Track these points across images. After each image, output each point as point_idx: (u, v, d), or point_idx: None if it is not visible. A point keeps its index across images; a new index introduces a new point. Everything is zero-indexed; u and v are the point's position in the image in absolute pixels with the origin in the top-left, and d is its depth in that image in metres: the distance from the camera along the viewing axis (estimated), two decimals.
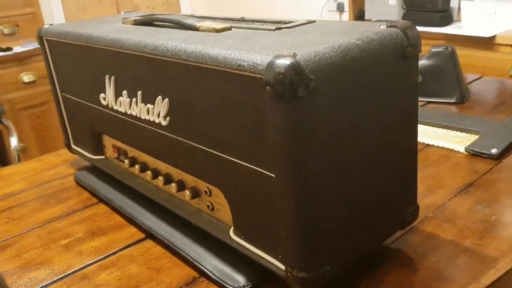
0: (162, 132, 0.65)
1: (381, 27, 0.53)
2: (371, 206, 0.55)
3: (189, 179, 0.66)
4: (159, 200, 0.71)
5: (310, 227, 0.49)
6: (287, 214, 0.49)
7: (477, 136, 0.91)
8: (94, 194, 0.84)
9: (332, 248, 0.51)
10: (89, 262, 0.66)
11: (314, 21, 0.62)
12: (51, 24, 0.90)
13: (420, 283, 0.56)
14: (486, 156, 0.84)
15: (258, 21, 0.67)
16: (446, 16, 2.07)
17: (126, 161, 0.78)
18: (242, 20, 0.70)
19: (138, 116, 0.69)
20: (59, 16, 2.85)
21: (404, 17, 2.16)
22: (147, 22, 0.74)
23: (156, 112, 0.65)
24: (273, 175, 0.49)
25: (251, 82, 0.47)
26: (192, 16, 0.79)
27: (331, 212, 0.50)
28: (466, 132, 0.94)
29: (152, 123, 0.66)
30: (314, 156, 0.47)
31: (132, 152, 0.78)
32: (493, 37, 1.89)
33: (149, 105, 0.66)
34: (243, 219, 0.57)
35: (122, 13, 0.99)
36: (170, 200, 0.70)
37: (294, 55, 0.44)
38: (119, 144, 0.81)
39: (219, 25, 0.63)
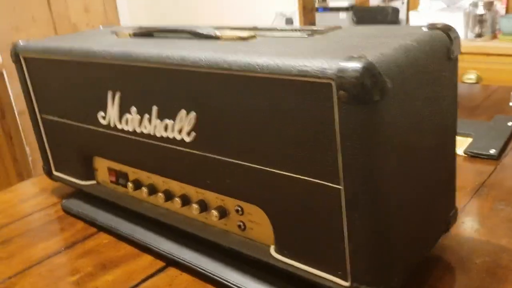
0: (184, 149, 0.60)
1: (424, 29, 0.53)
2: (425, 211, 0.53)
3: (213, 198, 0.62)
4: (176, 224, 0.66)
5: (381, 239, 0.46)
6: (356, 227, 0.46)
7: (470, 139, 0.93)
8: (91, 223, 0.77)
9: (397, 258, 0.49)
10: None
11: (340, 27, 0.60)
12: (27, 40, 0.82)
13: (477, 286, 0.55)
14: (485, 157, 0.86)
15: (274, 29, 0.65)
16: None
17: (130, 184, 0.72)
18: (257, 29, 0.67)
19: (152, 134, 0.64)
20: None
21: None
22: (150, 33, 0.70)
23: (177, 128, 0.60)
24: (340, 187, 0.46)
25: (313, 88, 0.44)
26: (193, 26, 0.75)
27: (397, 220, 0.48)
28: (458, 135, 0.96)
29: (171, 141, 0.61)
30: (386, 163, 0.44)
31: (135, 174, 0.72)
32: None
33: (167, 121, 0.61)
34: (290, 237, 0.54)
35: (100, 27, 0.92)
36: (189, 223, 0.65)
37: (365, 57, 0.42)
38: (117, 166, 0.75)
39: (242, 33, 0.59)
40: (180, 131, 0.60)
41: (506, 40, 1.94)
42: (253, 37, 0.59)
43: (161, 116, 0.62)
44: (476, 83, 1.94)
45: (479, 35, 1.96)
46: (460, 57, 1.95)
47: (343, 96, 0.42)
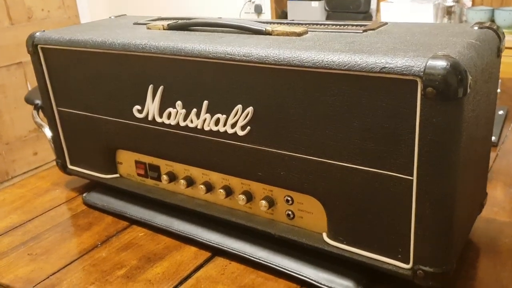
0: (236, 143, 0.62)
1: (475, 28, 0.57)
2: (473, 197, 0.58)
3: (260, 189, 0.64)
4: (219, 215, 0.67)
5: (446, 225, 0.50)
6: (428, 214, 0.49)
7: None
8: (121, 216, 0.76)
9: (456, 241, 0.53)
10: None
11: (387, 23, 0.63)
12: (43, 31, 0.79)
13: (510, 263, 0.60)
14: None
15: (314, 23, 0.66)
16: (367, 17, 2.22)
17: (165, 177, 0.72)
18: (297, 23, 0.68)
19: (200, 127, 0.64)
20: None
21: (327, 18, 2.27)
22: (185, 26, 0.70)
23: (231, 122, 0.61)
24: (412, 178, 0.49)
25: (395, 84, 0.47)
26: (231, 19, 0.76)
27: (460, 207, 0.52)
28: None
29: (222, 134, 0.62)
30: (458, 155, 0.48)
31: (169, 166, 0.72)
32: None
33: (219, 115, 0.62)
34: (347, 224, 0.56)
35: (112, 17, 0.90)
36: (233, 213, 0.67)
37: (451, 56, 0.45)
38: (147, 159, 0.74)
39: (297, 28, 0.61)
40: (233, 125, 0.61)
41: None
42: (306, 32, 0.61)
43: (212, 111, 0.62)
44: None
45: None
46: None
47: (431, 93, 0.45)
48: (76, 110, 0.79)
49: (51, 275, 0.64)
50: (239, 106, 0.59)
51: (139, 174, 0.77)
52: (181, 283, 0.61)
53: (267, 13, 2.48)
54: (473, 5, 2.13)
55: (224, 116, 0.61)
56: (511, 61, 1.33)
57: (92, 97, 0.75)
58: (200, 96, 0.63)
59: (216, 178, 0.68)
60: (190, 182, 0.70)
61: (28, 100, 1.02)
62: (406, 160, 0.49)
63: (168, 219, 0.72)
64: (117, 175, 0.80)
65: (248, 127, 0.60)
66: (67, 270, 0.65)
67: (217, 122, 0.62)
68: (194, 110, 0.64)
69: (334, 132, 0.53)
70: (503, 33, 0.58)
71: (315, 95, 0.53)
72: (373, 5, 2.24)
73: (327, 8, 2.23)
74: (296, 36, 0.60)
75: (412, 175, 0.49)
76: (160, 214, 0.74)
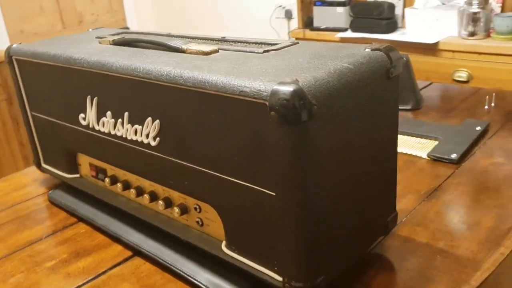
0: (150, 152, 0.66)
1: (366, 50, 0.58)
2: (361, 216, 0.59)
3: (176, 196, 0.68)
4: (144, 218, 0.72)
5: (308, 241, 0.52)
6: (287, 229, 0.52)
7: (436, 142, 0.98)
8: (71, 213, 0.83)
9: (327, 258, 0.55)
10: (79, 284, 0.66)
11: (298, 43, 0.66)
12: (20, 43, 0.88)
13: (404, 284, 0.61)
14: (447, 161, 0.91)
15: (240, 42, 0.70)
16: (391, 23, 2.18)
17: (107, 179, 0.78)
18: (224, 40, 0.72)
19: (124, 136, 0.70)
20: None
21: (351, 24, 2.25)
22: (127, 43, 0.75)
23: (145, 133, 0.66)
24: (274, 194, 0.52)
25: (252, 107, 0.50)
26: (170, 35, 0.81)
27: (327, 225, 0.54)
28: (426, 138, 1.01)
29: (140, 144, 0.67)
30: (314, 175, 0.50)
31: (113, 170, 0.78)
32: (436, 43, 2.02)
33: (136, 126, 0.67)
34: (237, 234, 0.60)
35: (90, 30, 0.98)
36: (156, 217, 0.71)
37: (297, 82, 0.47)
38: (97, 162, 0.81)
39: (206, 47, 0.65)
40: (147, 136, 0.66)
41: (499, 39, 1.97)
42: (215, 51, 0.65)
43: (132, 121, 0.68)
44: (467, 81, 1.97)
45: (472, 34, 1.98)
46: (451, 55, 2.01)
47: (274, 116, 0.47)
48: (44, 115, 0.87)
49: None
50: (149, 119, 0.64)
51: (92, 176, 0.84)
52: (94, 278, 0.67)
53: (296, 19, 2.50)
54: (502, 11, 2.03)
55: (140, 127, 0.66)
56: None
57: (53, 104, 0.83)
58: (122, 108, 0.68)
59: (146, 183, 0.73)
60: (126, 186, 0.76)
61: None
62: (269, 176, 0.52)
63: (107, 219, 0.79)
64: (78, 175, 0.87)
65: (158, 138, 0.64)
66: (7, 258, 0.73)
67: (135, 132, 0.67)
68: (120, 120, 0.69)
69: (218, 148, 0.56)
70: (398, 56, 0.58)
71: (201, 113, 0.57)
72: (398, 11, 2.19)
73: (351, 14, 2.22)
74: (204, 55, 0.64)
75: (274, 191, 0.52)
76: (102, 214, 0.80)
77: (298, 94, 0.46)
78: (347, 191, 0.55)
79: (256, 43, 0.68)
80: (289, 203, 0.50)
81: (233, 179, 0.56)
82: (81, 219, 0.82)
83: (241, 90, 0.50)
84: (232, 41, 0.71)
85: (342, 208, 0.55)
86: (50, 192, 0.90)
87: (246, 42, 0.69)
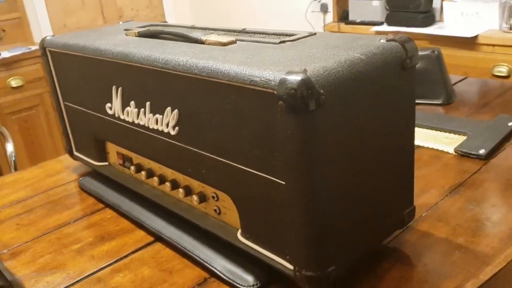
0: (170, 141, 0.68)
1: (381, 41, 0.57)
2: (373, 208, 0.59)
3: (196, 184, 0.70)
4: (166, 205, 0.74)
5: (318, 230, 0.52)
6: (296, 218, 0.52)
7: (465, 137, 0.96)
8: (99, 199, 0.87)
9: (338, 248, 0.55)
10: (102, 266, 0.69)
11: (315, 34, 0.66)
12: (53, 35, 0.92)
13: (419, 278, 0.60)
14: (474, 156, 0.89)
15: (260, 33, 0.71)
16: (428, 17, 2.13)
17: (132, 167, 0.81)
18: (244, 32, 0.73)
19: (146, 125, 0.72)
20: (44, 20, 2.84)
21: (387, 18, 2.21)
22: (152, 35, 0.77)
23: (165, 122, 0.68)
24: (284, 183, 0.52)
25: (262, 96, 0.51)
26: (194, 27, 0.83)
27: (337, 215, 0.54)
28: (454, 133, 0.99)
29: (161, 133, 0.69)
30: (323, 164, 0.50)
31: (138, 159, 0.81)
32: (475, 37, 1.96)
33: (157, 115, 0.69)
34: (251, 223, 0.61)
35: (120, 23, 1.01)
36: (177, 205, 0.73)
37: (305, 71, 0.47)
38: (124, 151, 0.84)
39: (224, 38, 0.66)
40: (167, 125, 0.68)
41: None
42: (233, 42, 0.66)
43: (153, 111, 0.70)
44: (507, 76, 1.90)
45: None
46: (491, 49, 1.94)
47: (282, 105, 0.48)
48: (75, 105, 0.91)
49: (24, 243, 0.76)
50: (169, 108, 0.66)
51: (120, 164, 0.87)
52: (116, 261, 0.69)
53: (332, 12, 2.48)
54: None
55: (161, 116, 0.68)
56: None
57: (83, 94, 0.86)
58: (144, 98, 0.70)
59: (167, 171, 0.75)
60: (150, 174, 0.78)
61: None
62: (279, 166, 0.52)
63: (132, 205, 0.81)
64: (107, 163, 0.91)
65: (177, 128, 0.66)
66: (37, 240, 0.77)
67: (157, 121, 0.69)
68: (142, 109, 0.72)
69: (232, 137, 0.58)
70: (414, 46, 0.57)
71: (216, 102, 0.58)
72: (436, 5, 2.13)
73: (387, 7, 2.17)
74: (221, 46, 0.65)
75: (284, 180, 0.52)
76: (128, 200, 0.83)
77: (306, 83, 0.47)
78: (357, 181, 0.55)
79: (275, 34, 0.69)
80: (298, 191, 0.51)
81: (246, 168, 0.57)
82: (107, 205, 0.85)
83: (251, 80, 0.51)
84: (252, 33, 0.72)
85: (352, 198, 0.55)
86: (80, 179, 0.94)
87: (265, 34, 0.69)
